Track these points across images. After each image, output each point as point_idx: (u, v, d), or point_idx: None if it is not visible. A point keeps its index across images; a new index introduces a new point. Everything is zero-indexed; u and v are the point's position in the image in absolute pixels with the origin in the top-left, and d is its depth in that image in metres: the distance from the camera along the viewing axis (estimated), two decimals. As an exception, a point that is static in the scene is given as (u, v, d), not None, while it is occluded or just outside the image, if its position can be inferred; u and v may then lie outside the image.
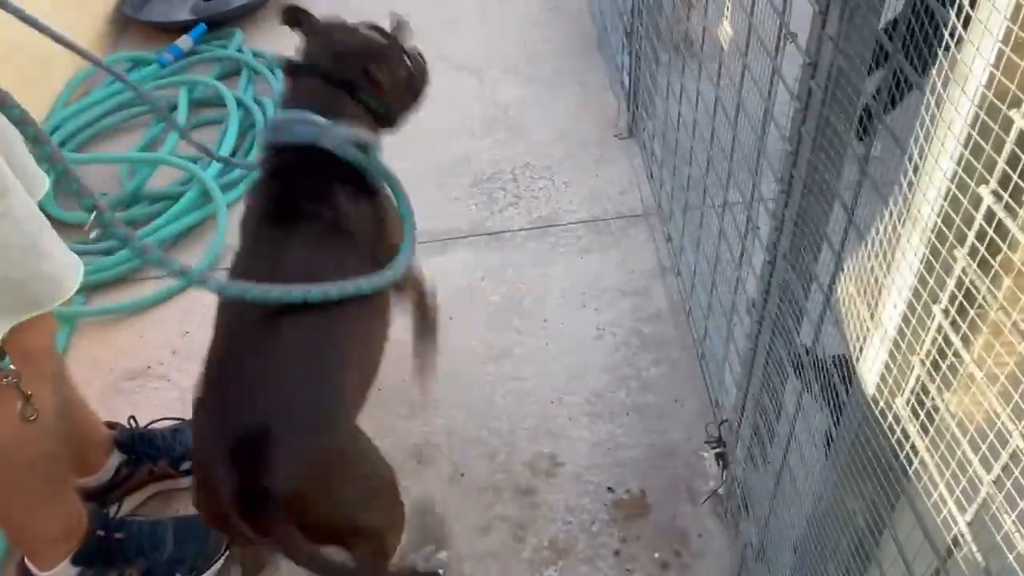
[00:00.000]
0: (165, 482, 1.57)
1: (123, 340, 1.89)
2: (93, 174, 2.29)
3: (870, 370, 0.77)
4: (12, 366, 1.13)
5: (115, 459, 1.52)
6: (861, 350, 0.79)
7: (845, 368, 0.87)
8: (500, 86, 2.58)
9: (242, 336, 1.09)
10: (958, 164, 0.59)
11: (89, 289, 1.97)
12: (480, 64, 2.68)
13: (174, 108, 2.49)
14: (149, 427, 1.61)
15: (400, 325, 1.84)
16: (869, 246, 0.76)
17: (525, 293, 1.92)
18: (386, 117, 1.45)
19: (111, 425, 1.56)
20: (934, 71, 0.61)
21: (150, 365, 1.82)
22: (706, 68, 1.46)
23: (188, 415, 1.64)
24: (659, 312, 1.84)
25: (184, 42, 2.79)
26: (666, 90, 1.79)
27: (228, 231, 2.07)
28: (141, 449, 1.56)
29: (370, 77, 1.36)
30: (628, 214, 2.09)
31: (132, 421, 1.59)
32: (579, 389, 1.71)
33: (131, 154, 2.33)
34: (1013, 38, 0.52)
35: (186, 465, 1.57)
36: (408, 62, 1.52)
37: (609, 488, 1.54)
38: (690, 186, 1.67)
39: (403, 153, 2.38)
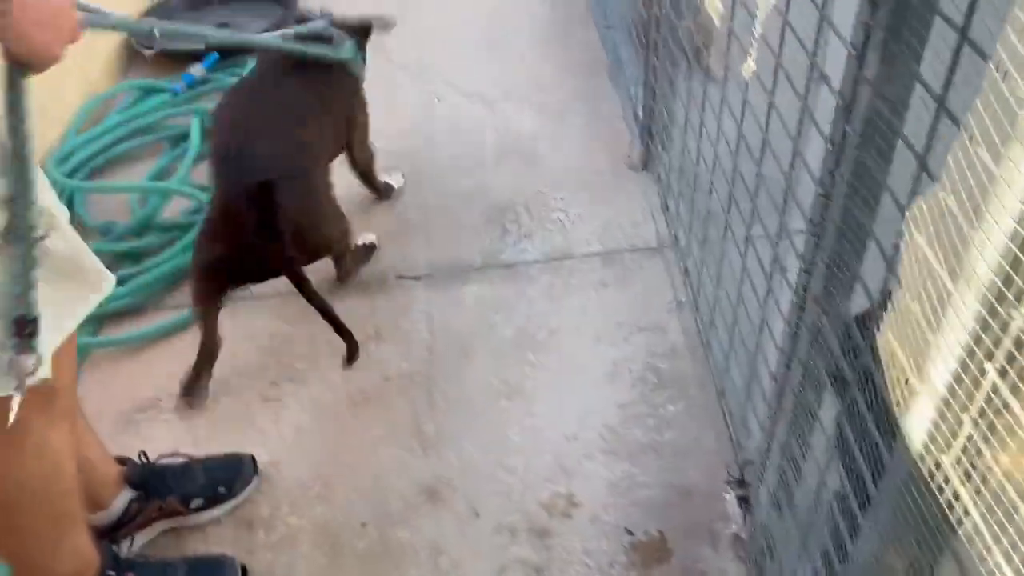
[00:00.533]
0: (175, 519, 1.54)
1: (133, 372, 1.86)
2: (104, 203, 2.28)
3: (917, 427, 0.74)
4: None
5: (125, 496, 1.49)
6: (906, 404, 0.76)
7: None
8: (512, 116, 2.57)
9: (242, 121, 1.74)
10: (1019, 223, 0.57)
11: (99, 320, 1.95)
12: (491, 93, 2.67)
13: (186, 136, 2.49)
14: (159, 462, 1.58)
15: (411, 358, 1.82)
16: (913, 299, 0.74)
17: (539, 327, 1.90)
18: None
19: (121, 460, 1.53)
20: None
21: (160, 398, 1.79)
22: (727, 103, 1.44)
23: (199, 450, 1.63)
24: (675, 348, 1.81)
25: (197, 70, 2.79)
26: (684, 124, 1.78)
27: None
28: (151, 485, 1.53)
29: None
30: (643, 247, 2.07)
31: (143, 456, 1.57)
32: (595, 426, 1.68)
33: (142, 183, 2.32)
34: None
35: (197, 502, 1.54)
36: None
37: (627, 530, 1.51)
38: (710, 220, 1.65)
39: (417, 184, 2.38)
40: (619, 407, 1.71)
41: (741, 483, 1.45)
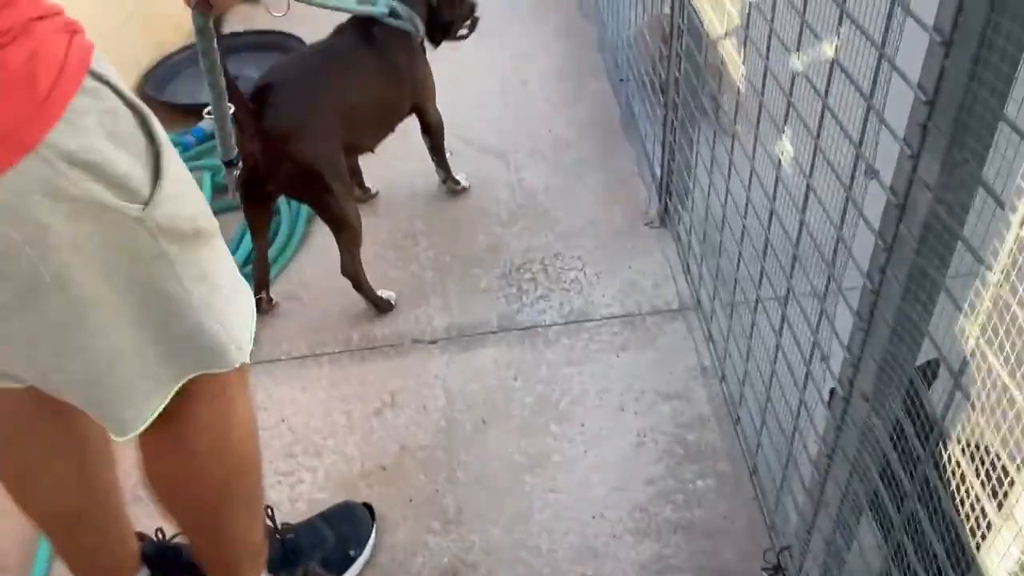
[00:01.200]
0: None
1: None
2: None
3: (997, 563, 0.69)
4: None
5: (142, 575, 1.45)
6: (983, 537, 0.72)
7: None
8: (526, 171, 2.55)
9: (276, 76, 1.97)
10: None
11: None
12: (505, 147, 2.65)
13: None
14: (175, 540, 1.53)
15: (428, 427, 1.77)
16: (988, 423, 0.70)
17: (561, 394, 1.85)
18: (435, 16, 2.23)
19: (140, 536, 1.49)
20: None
21: (171, 473, 1.74)
22: (758, 174, 1.41)
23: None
24: (702, 418, 1.77)
25: (208, 123, 2.77)
26: (708, 187, 1.75)
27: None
28: (167, 564, 1.48)
29: None
30: (664, 309, 2.03)
31: (159, 533, 1.52)
32: (622, 503, 1.63)
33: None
34: None
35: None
36: None
37: (659, 616, 1.45)
38: (736, 286, 1.61)
39: (432, 240, 2.35)
40: (646, 482, 1.65)
41: (778, 569, 1.39)
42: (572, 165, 2.56)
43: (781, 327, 1.34)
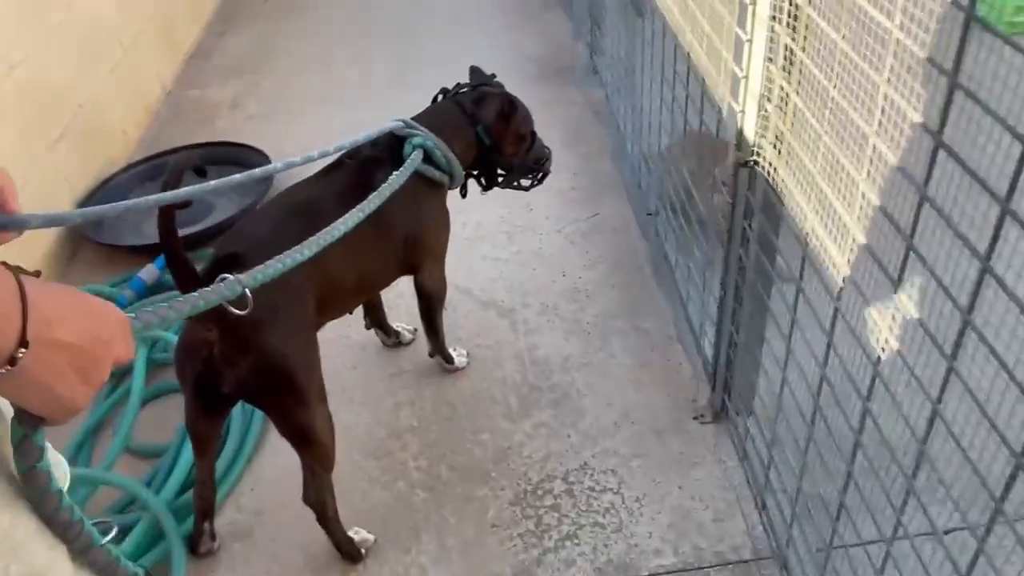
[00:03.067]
0: None
1: None
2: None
3: None
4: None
5: None
6: None
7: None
8: (538, 334, 2.06)
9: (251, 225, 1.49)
10: None
11: None
12: (511, 301, 2.17)
13: (127, 372, 1.96)
14: None
15: None
16: None
17: None
18: (488, 158, 1.77)
19: None
20: None
21: None
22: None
23: None
24: None
25: (149, 273, 2.28)
26: (782, 375, 1.26)
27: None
28: None
29: (499, 112, 1.73)
30: (733, 559, 1.53)
31: None
32: None
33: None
34: None
35: None
36: (534, 139, 1.87)
37: None
38: (835, 519, 1.12)
39: (423, 443, 1.83)
40: None
41: None
42: (594, 326, 2.07)
43: None
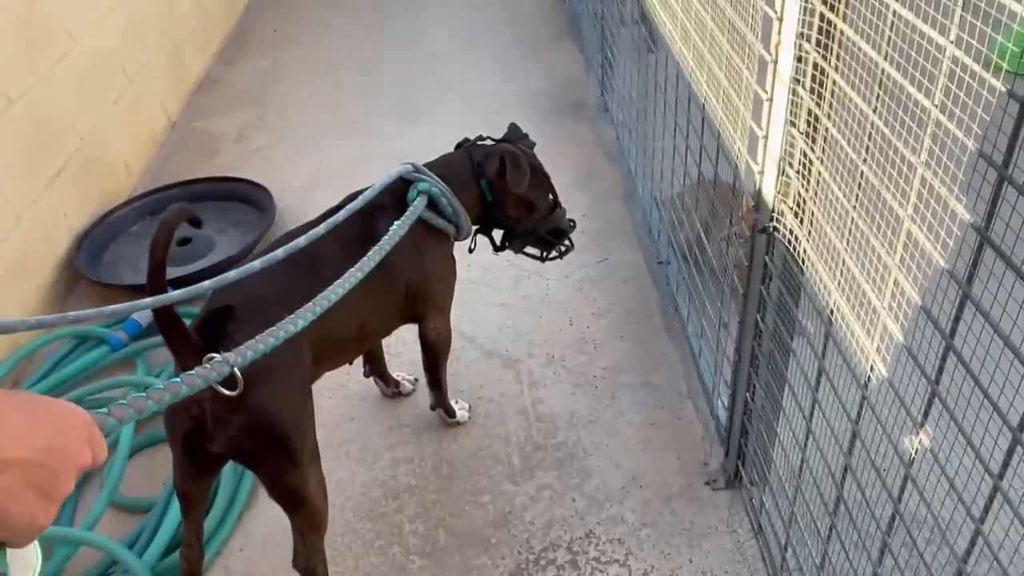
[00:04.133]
0: None
1: None
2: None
3: None
4: None
5: None
6: None
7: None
8: (543, 388, 1.98)
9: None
10: None
11: None
12: (516, 351, 2.09)
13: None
14: None
15: None
16: None
17: None
18: (490, 211, 1.70)
19: None
20: None
21: None
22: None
23: None
24: None
25: (144, 313, 2.22)
26: (804, 443, 1.18)
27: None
28: None
29: (499, 168, 1.65)
30: (747, 643, 1.44)
31: None
32: None
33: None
34: None
35: None
36: (555, 207, 1.80)
37: None
38: None
39: (420, 504, 1.72)
40: None
41: None
42: (602, 379, 1.99)
43: None
